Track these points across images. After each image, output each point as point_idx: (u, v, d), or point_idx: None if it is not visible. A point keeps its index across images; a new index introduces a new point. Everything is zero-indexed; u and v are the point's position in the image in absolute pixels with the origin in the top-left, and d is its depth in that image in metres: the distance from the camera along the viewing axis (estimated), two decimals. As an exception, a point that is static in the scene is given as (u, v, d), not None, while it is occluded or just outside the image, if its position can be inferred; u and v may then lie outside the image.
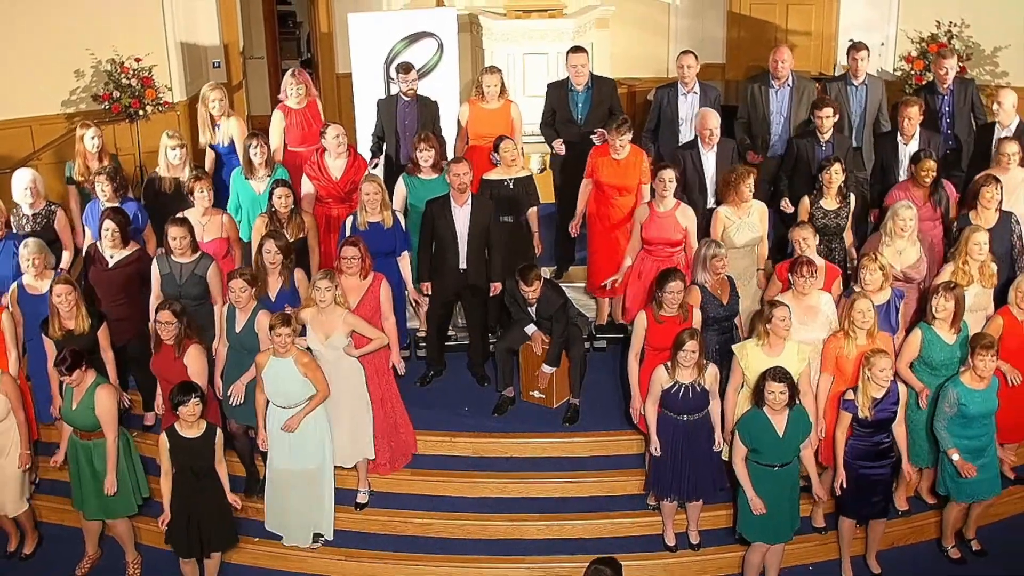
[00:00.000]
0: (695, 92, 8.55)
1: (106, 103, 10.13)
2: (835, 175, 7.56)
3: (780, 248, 7.92)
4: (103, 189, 7.69)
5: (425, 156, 7.79)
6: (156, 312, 6.66)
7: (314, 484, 6.79)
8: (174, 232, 7.04)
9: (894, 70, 10.60)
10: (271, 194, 7.47)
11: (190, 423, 6.28)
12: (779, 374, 6.14)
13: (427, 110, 8.56)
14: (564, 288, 7.68)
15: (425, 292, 7.71)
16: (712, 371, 6.56)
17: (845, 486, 6.51)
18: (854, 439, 6.46)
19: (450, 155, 8.43)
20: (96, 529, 6.92)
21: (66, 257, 7.83)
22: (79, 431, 6.54)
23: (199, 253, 7.18)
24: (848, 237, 7.72)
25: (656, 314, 6.73)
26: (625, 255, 7.64)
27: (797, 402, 6.29)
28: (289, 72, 8.82)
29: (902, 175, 8.04)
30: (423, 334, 8.08)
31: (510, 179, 8.00)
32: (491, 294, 7.63)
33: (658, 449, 6.62)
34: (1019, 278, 6.93)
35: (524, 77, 10.13)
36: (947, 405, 6.51)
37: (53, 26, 9.99)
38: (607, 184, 7.84)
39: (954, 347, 6.69)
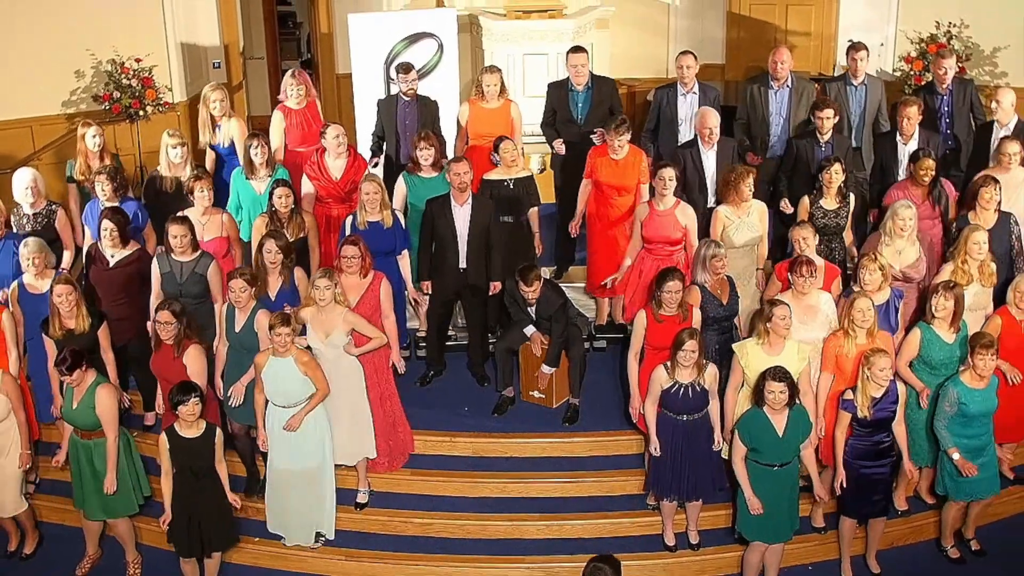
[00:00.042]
0: (694, 92, 8.55)
1: (106, 103, 10.13)
2: (835, 175, 7.57)
3: (780, 248, 7.93)
4: (103, 188, 7.69)
5: (425, 154, 7.80)
6: (155, 312, 6.67)
7: (315, 483, 6.79)
8: (174, 230, 7.04)
9: (893, 70, 10.61)
10: (271, 194, 7.48)
11: (190, 423, 6.28)
12: (779, 373, 6.14)
13: (427, 110, 8.56)
14: (564, 288, 7.69)
15: (425, 291, 7.72)
16: (712, 371, 6.56)
17: (845, 485, 6.51)
18: (854, 438, 6.46)
19: (450, 155, 8.43)
20: (97, 529, 6.91)
21: (67, 257, 7.84)
22: (80, 431, 6.55)
23: (199, 251, 7.18)
24: (848, 237, 7.72)
25: (656, 313, 6.73)
26: (625, 255, 7.65)
27: (797, 402, 6.29)
28: (289, 72, 8.84)
29: (901, 175, 8.05)
30: (423, 334, 8.09)
31: (510, 179, 8.00)
32: (490, 293, 7.64)
33: (658, 449, 6.62)
34: (1017, 278, 6.93)
35: (524, 77, 10.13)
36: (947, 404, 6.51)
37: (53, 26, 9.99)
38: (606, 184, 7.85)
39: (953, 346, 6.69)
